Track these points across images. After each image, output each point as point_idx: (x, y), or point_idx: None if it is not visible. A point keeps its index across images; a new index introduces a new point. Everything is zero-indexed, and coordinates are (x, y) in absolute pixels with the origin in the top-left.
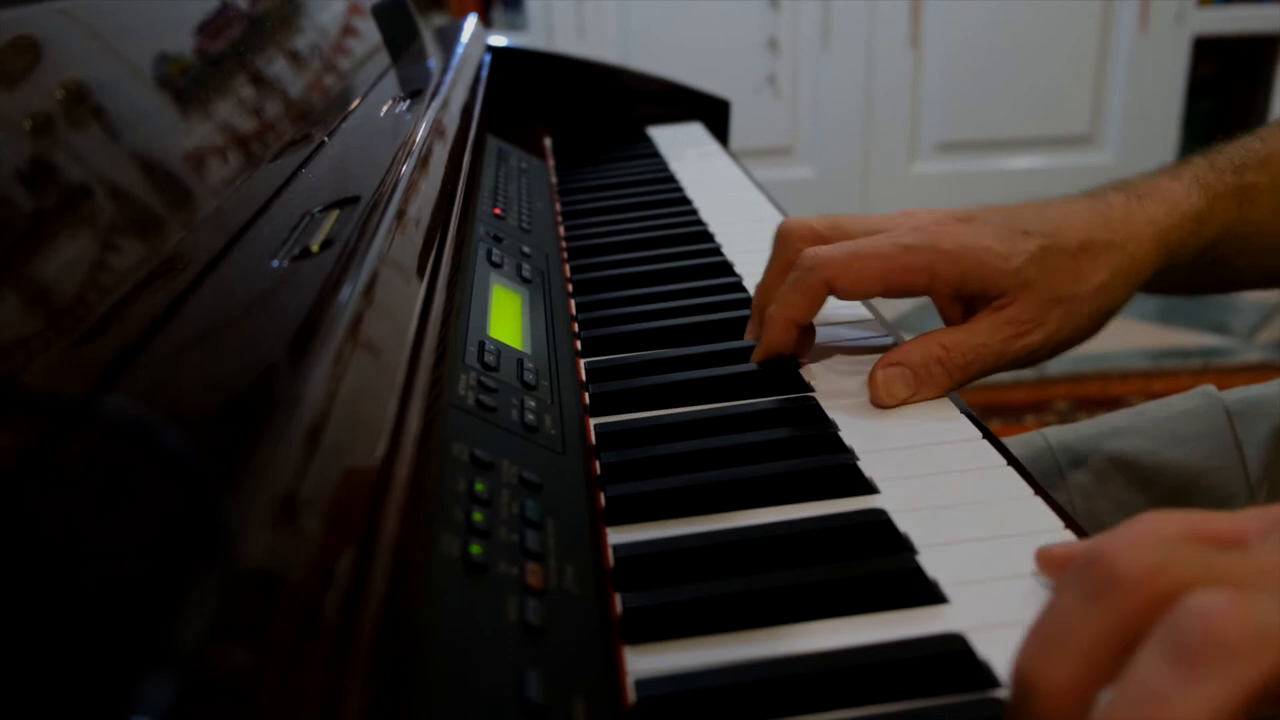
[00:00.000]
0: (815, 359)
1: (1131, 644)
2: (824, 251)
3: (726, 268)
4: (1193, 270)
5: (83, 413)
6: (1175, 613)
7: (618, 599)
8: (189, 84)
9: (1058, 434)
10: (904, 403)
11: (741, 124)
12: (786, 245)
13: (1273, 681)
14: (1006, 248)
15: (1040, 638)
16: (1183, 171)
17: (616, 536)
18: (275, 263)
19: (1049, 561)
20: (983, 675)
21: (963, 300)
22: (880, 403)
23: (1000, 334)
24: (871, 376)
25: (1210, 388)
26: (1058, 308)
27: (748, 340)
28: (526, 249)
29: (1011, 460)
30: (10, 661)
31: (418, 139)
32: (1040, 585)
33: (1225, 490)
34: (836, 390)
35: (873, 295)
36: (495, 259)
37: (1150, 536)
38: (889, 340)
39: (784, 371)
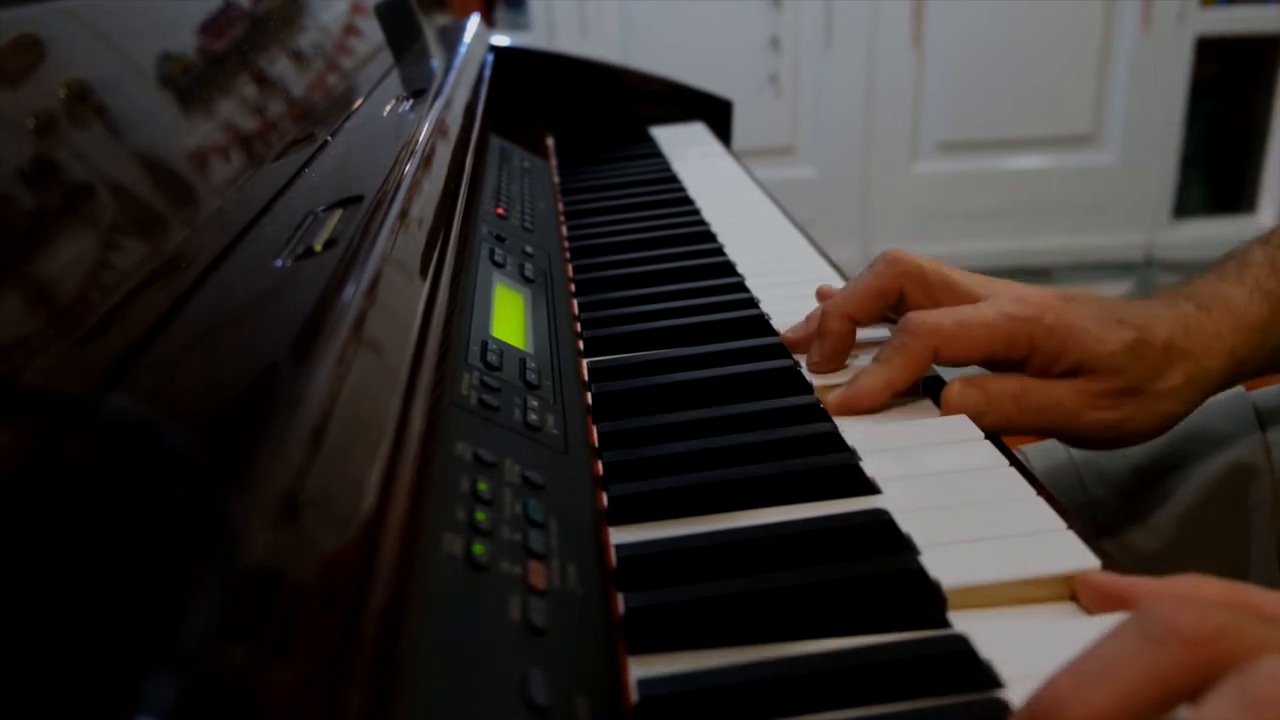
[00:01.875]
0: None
1: (1173, 696)
2: (932, 319)
3: (729, 268)
4: (1253, 372)
5: (86, 412)
6: (1251, 670)
7: (620, 599)
8: (192, 83)
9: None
10: (966, 415)
11: (743, 124)
12: (885, 273)
13: None
14: (1104, 332)
15: (1084, 664)
16: (1245, 276)
17: (619, 536)
18: (278, 262)
19: (1090, 591)
20: (985, 676)
21: (1051, 376)
22: (947, 410)
23: (1077, 399)
24: (948, 386)
25: (1238, 389)
26: (1134, 398)
27: (786, 337)
28: (529, 249)
29: (1014, 461)
30: (14, 661)
31: (421, 138)
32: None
33: (1253, 500)
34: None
35: (976, 362)
36: (498, 259)
37: (1200, 599)
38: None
39: (786, 372)
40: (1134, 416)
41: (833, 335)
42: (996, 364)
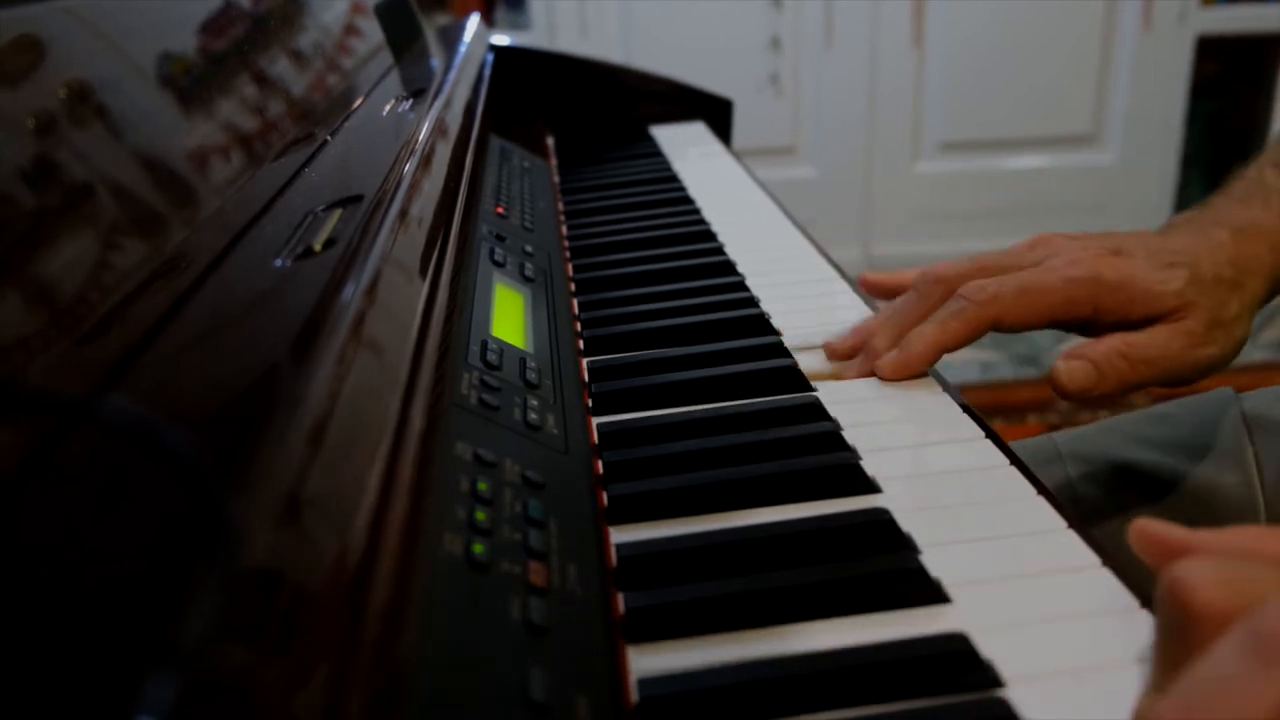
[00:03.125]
0: (816, 359)
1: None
2: (992, 286)
3: (729, 267)
4: None
5: (86, 412)
6: None
7: (620, 598)
8: (192, 83)
9: (1068, 442)
10: (1083, 395)
11: (744, 123)
12: (933, 282)
13: None
14: (1162, 276)
15: (1192, 692)
16: (1271, 202)
17: (619, 536)
18: (278, 262)
19: (1145, 539)
20: (986, 675)
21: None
22: (1061, 388)
23: (1180, 342)
24: (1053, 369)
25: (1228, 391)
26: (1219, 329)
27: (830, 357)
28: (529, 248)
29: (1015, 460)
30: (14, 660)
31: (420, 138)
32: (1046, 585)
33: (1239, 505)
34: (839, 390)
35: (1037, 328)
36: (498, 258)
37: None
38: None
39: (786, 371)
40: (1226, 348)
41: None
42: (1062, 328)
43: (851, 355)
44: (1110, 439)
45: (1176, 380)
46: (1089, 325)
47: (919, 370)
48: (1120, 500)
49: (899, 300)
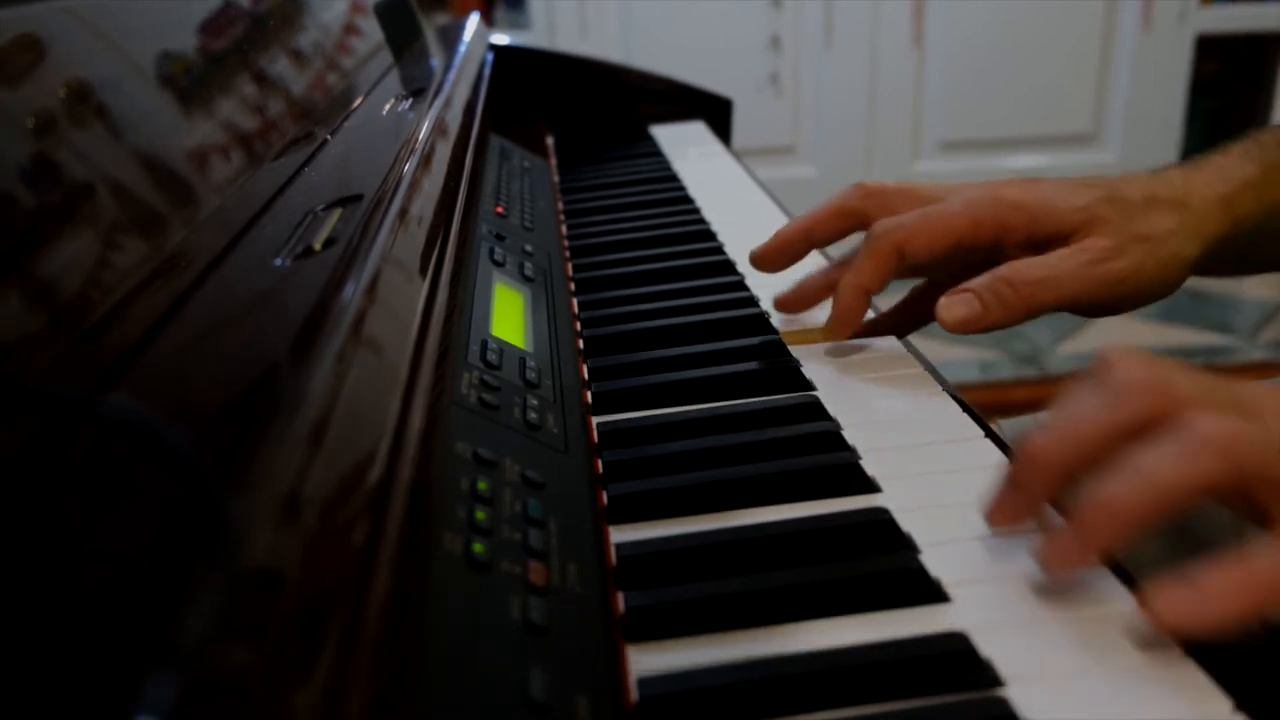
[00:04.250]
0: (816, 359)
1: (1118, 441)
2: (894, 219)
3: (729, 267)
4: (1258, 240)
5: (86, 411)
6: (1183, 423)
7: (620, 597)
8: (192, 82)
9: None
10: (969, 327)
11: (744, 123)
12: (850, 194)
13: (1233, 479)
14: (1072, 194)
15: (1056, 425)
16: (1229, 150)
17: (619, 535)
18: (278, 261)
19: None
20: (986, 674)
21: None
22: (944, 325)
23: (1078, 259)
24: (936, 308)
25: None
26: (1137, 245)
27: (781, 310)
28: (529, 247)
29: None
30: (14, 660)
31: (420, 137)
32: (1046, 584)
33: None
34: (839, 390)
35: (945, 255)
36: (498, 258)
37: (1148, 362)
38: (893, 342)
39: (786, 371)
40: (1144, 264)
41: (788, 242)
42: (969, 260)
43: (797, 304)
44: None
45: (1092, 304)
46: (999, 253)
47: (856, 318)
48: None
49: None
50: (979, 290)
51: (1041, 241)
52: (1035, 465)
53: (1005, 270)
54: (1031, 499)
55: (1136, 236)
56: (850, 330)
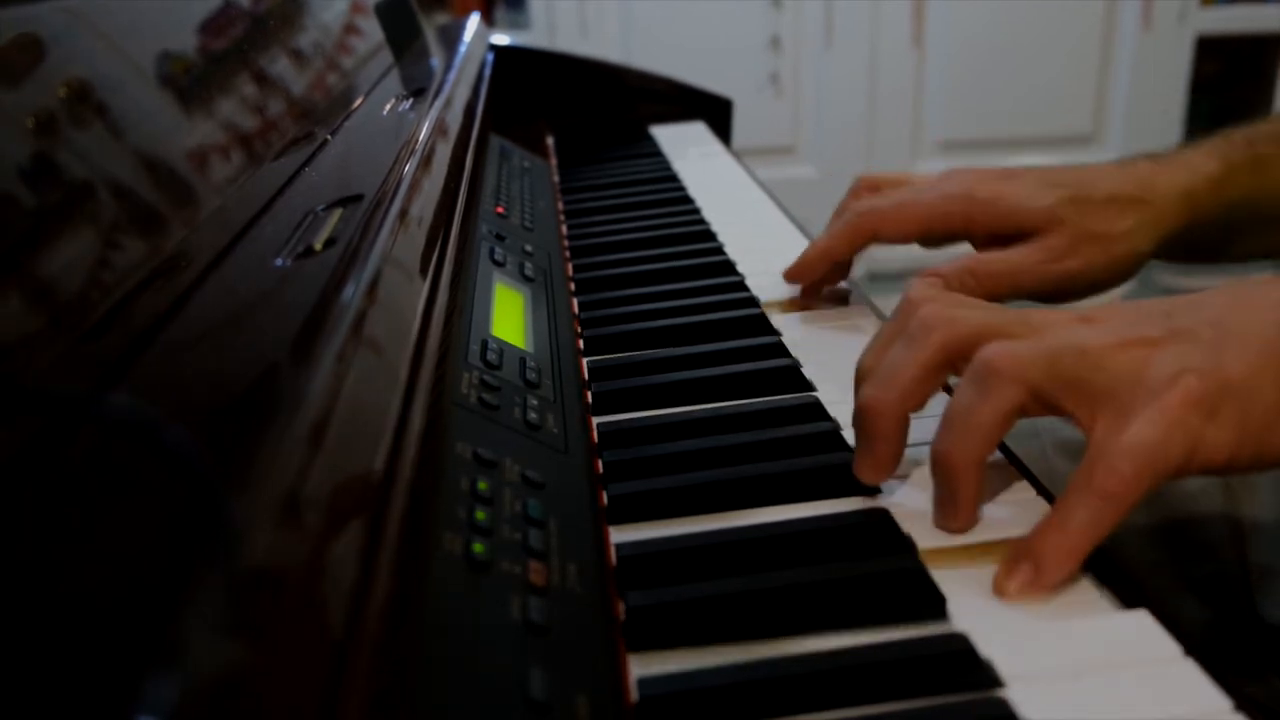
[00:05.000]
0: (816, 358)
1: (933, 376)
2: (871, 201)
3: (729, 267)
4: (1212, 233)
5: (87, 410)
6: (976, 359)
7: (621, 598)
8: (192, 82)
9: (1049, 421)
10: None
11: (744, 123)
12: (853, 200)
13: (1030, 395)
14: (1037, 194)
15: (879, 374)
16: (1200, 144)
17: (619, 535)
18: (278, 261)
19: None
20: (985, 675)
21: (1001, 246)
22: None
23: (1035, 256)
24: (906, 286)
25: None
26: (1091, 244)
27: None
28: (529, 247)
29: (1015, 460)
30: (14, 659)
31: (420, 138)
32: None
33: (1202, 484)
34: (839, 390)
35: (914, 239)
36: (498, 258)
37: (940, 300)
38: None
39: (786, 371)
40: (1095, 261)
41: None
42: (939, 241)
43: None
44: None
45: (1048, 296)
46: (973, 241)
47: (810, 275)
48: None
49: None
50: (947, 275)
51: (1005, 236)
52: (875, 418)
53: (971, 260)
54: (887, 449)
55: (1092, 236)
56: (801, 280)
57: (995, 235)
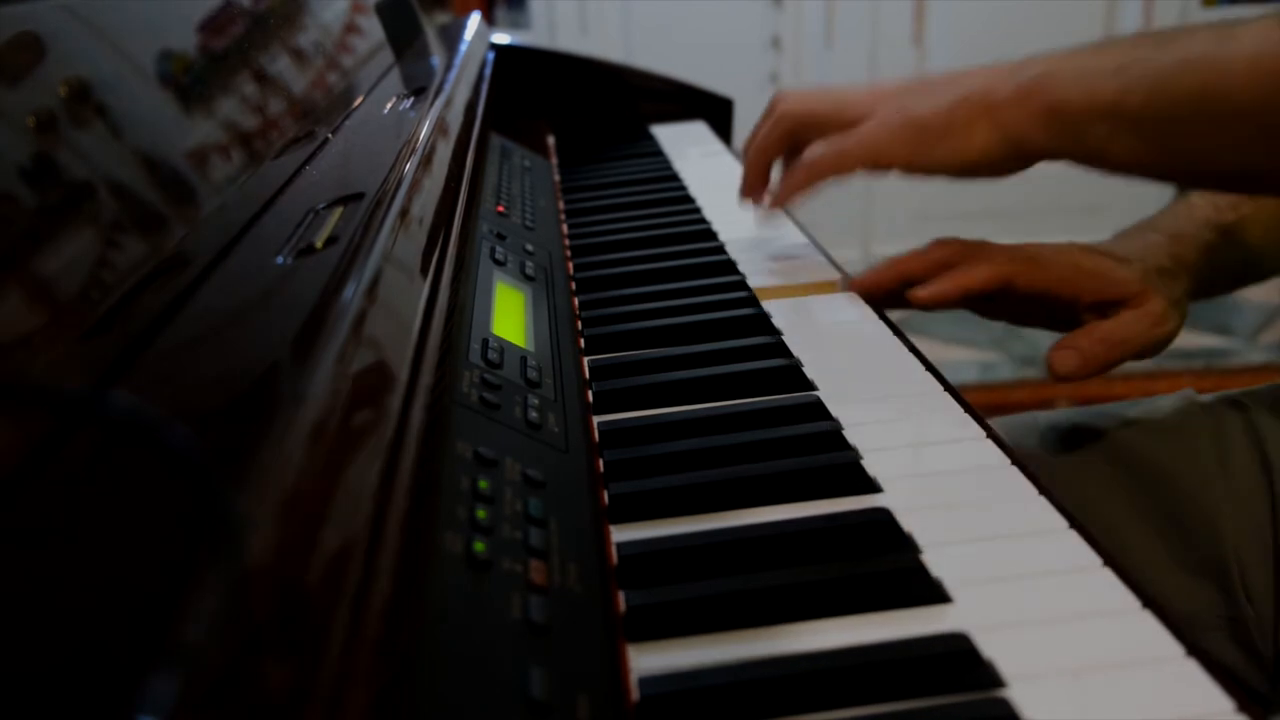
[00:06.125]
0: (815, 358)
1: (784, 140)
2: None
3: (729, 266)
4: (1203, 288)
5: (89, 408)
6: (833, 137)
7: (621, 596)
8: (193, 81)
9: (1049, 417)
10: (1075, 376)
11: (745, 122)
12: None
13: (859, 157)
14: (1121, 269)
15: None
16: (1194, 215)
17: (620, 534)
18: (279, 259)
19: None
20: (987, 675)
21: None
22: (1056, 374)
23: (1145, 323)
24: (1047, 357)
25: (1189, 391)
26: (1174, 309)
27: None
28: (530, 247)
29: (1016, 460)
30: (16, 658)
31: (421, 136)
32: (1047, 584)
33: (1200, 478)
34: (839, 390)
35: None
36: (499, 257)
37: (793, 97)
38: (896, 343)
39: (787, 370)
40: (1178, 325)
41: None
42: (1050, 306)
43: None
44: (1085, 416)
45: (1142, 356)
46: (1075, 309)
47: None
48: (1092, 471)
49: None
50: (1083, 348)
51: (1104, 306)
52: (751, 164)
53: (1100, 333)
54: (757, 179)
55: (1173, 303)
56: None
57: (1098, 304)
